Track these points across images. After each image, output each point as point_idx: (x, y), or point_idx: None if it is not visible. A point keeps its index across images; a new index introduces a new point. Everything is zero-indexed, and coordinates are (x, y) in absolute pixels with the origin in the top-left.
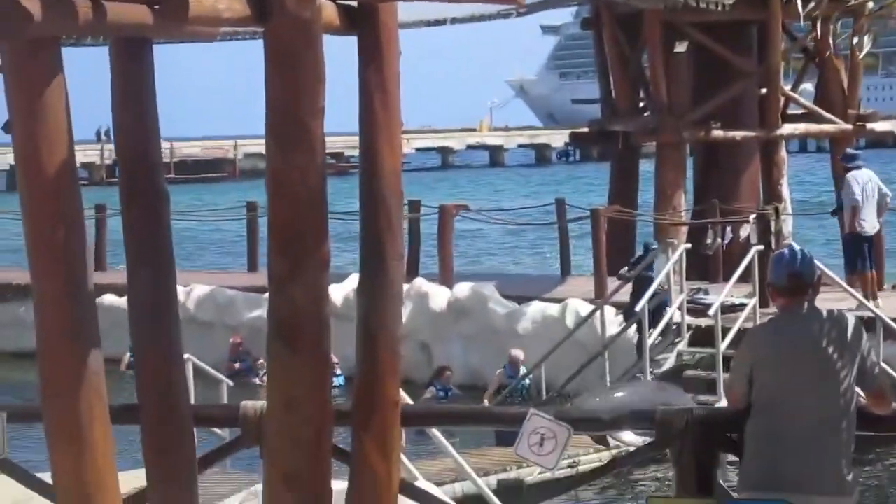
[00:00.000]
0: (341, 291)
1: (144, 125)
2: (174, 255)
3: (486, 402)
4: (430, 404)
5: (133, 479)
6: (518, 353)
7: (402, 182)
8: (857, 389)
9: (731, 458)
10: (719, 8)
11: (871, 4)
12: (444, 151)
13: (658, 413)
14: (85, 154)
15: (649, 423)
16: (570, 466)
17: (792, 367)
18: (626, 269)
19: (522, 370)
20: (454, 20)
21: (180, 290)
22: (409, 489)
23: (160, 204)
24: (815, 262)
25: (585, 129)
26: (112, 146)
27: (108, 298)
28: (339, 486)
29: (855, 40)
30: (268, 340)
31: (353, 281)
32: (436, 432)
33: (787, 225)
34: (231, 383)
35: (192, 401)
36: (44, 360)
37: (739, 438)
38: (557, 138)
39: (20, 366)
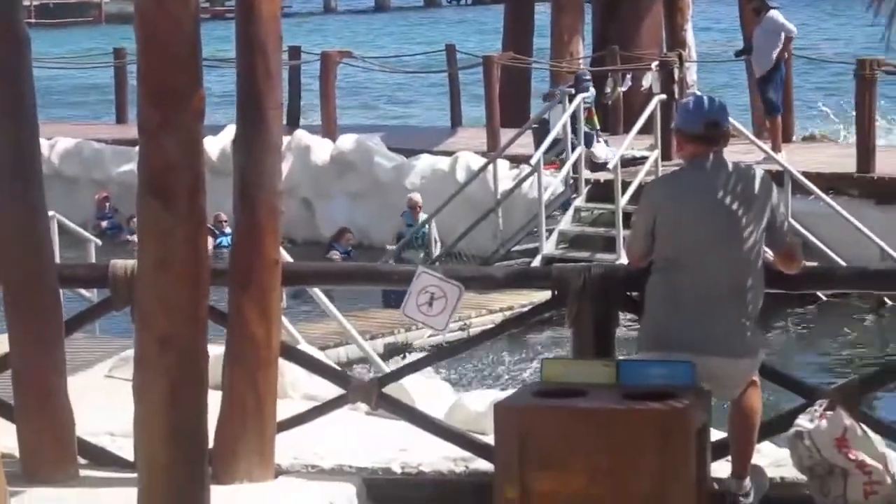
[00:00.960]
0: (217, 144)
1: None
2: (37, 106)
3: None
4: (310, 262)
5: None
6: (416, 197)
7: (281, 27)
8: (766, 248)
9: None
10: None
11: None
12: None
13: (554, 270)
14: None
15: (545, 281)
16: (460, 329)
17: (696, 221)
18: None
19: (422, 217)
20: None
21: (43, 143)
22: (290, 352)
23: (20, 50)
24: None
25: None
26: None
27: None
28: (216, 350)
29: None
30: (138, 195)
31: (230, 133)
32: (318, 293)
33: (692, 73)
34: (99, 242)
35: (58, 261)
36: None
37: (640, 297)
38: None
39: None
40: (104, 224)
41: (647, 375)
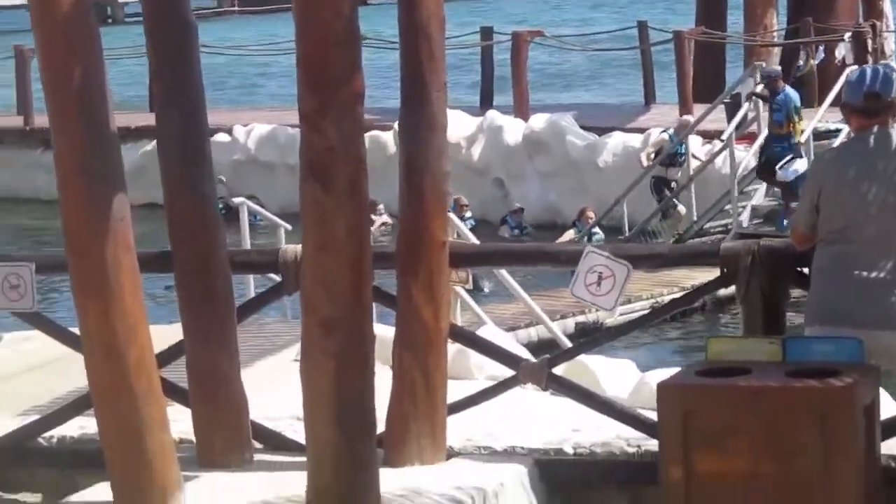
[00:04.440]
0: None
1: None
2: (204, 93)
3: (644, 162)
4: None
5: (172, 334)
6: (688, 119)
7: (443, 8)
8: None
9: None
10: None
11: None
12: None
13: (722, 247)
14: None
15: (713, 258)
16: (652, 307)
17: (858, 193)
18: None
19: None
20: None
21: (239, 129)
22: (459, 333)
23: (186, 37)
24: None
25: None
26: None
27: None
28: (387, 332)
29: None
30: (301, 180)
31: None
32: (504, 274)
33: (889, 43)
34: (289, 227)
35: (249, 246)
36: (66, 210)
37: (811, 272)
38: None
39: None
40: None
41: (814, 352)
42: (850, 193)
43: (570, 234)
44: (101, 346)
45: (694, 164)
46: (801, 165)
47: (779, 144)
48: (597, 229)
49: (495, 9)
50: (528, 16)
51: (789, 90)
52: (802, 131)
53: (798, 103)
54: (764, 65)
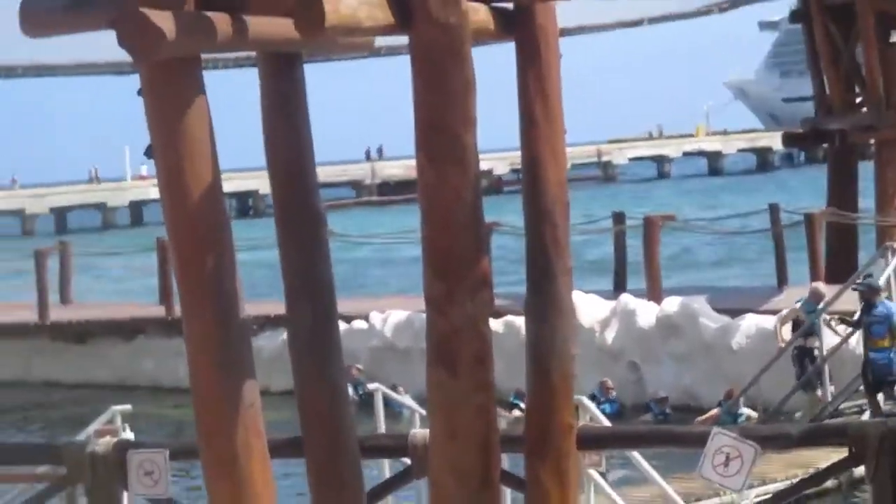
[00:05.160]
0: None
1: (297, 145)
2: (334, 281)
3: (780, 340)
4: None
5: None
6: (819, 287)
7: (567, 194)
8: None
9: None
10: None
11: None
12: (660, 160)
13: (851, 426)
14: (348, 173)
15: (841, 437)
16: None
17: None
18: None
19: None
20: (651, 20)
21: (376, 316)
22: None
23: (316, 227)
24: None
25: (799, 130)
26: (378, 164)
27: None
28: None
29: None
30: (427, 366)
31: None
32: (637, 456)
33: None
34: (423, 412)
35: (383, 431)
36: (197, 396)
37: None
38: (780, 140)
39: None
40: None
41: None
42: None
43: (711, 414)
44: None
45: (828, 340)
46: None
47: (882, 356)
48: (744, 409)
49: (623, 193)
50: (660, 201)
51: (888, 302)
52: None
53: None
54: (890, 253)
